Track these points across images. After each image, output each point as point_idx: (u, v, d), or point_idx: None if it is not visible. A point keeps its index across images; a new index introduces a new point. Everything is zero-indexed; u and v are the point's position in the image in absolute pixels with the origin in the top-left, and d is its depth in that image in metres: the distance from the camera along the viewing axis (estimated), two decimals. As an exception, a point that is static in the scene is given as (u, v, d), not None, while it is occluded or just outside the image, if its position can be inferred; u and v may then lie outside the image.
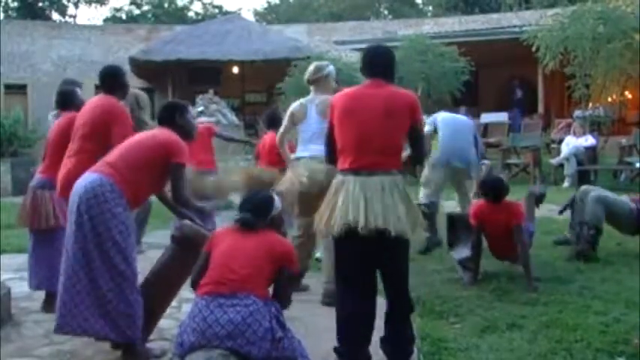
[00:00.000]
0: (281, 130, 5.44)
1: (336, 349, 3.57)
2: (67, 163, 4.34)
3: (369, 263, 3.53)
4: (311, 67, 5.37)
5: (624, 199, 6.68)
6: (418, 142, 3.69)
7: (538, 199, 6.41)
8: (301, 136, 5.26)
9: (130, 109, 6.23)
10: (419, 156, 3.80)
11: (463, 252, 5.72)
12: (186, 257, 3.88)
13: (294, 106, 5.37)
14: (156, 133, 4.03)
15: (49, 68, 21.15)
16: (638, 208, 6.48)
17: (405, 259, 3.57)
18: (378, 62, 3.68)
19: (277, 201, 3.69)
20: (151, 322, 3.88)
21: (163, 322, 4.25)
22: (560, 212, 6.99)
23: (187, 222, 3.99)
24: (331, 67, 5.38)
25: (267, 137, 7.11)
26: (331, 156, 3.72)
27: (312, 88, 5.32)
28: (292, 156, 5.36)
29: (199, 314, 3.25)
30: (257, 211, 3.55)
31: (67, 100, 5.20)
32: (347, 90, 3.73)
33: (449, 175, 6.96)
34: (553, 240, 6.93)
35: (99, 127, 4.30)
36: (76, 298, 3.66)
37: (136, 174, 3.78)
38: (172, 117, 4.05)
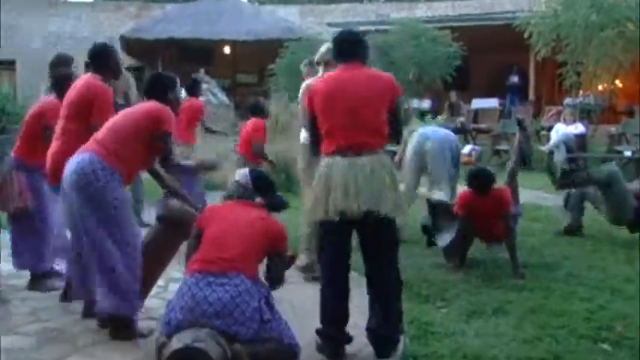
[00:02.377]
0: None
1: (318, 331, 3.60)
2: (53, 146, 4.29)
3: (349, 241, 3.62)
4: (323, 48, 5.29)
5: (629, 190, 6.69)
6: (397, 120, 3.72)
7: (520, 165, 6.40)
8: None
9: (123, 91, 6.22)
10: (397, 134, 3.79)
11: (445, 239, 5.74)
12: (172, 236, 3.88)
13: (307, 86, 5.25)
14: (143, 104, 4.02)
15: (39, 44, 20.91)
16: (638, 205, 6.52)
17: (393, 238, 3.62)
18: (352, 46, 3.71)
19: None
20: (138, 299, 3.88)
21: (150, 302, 4.25)
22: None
23: (174, 201, 3.98)
24: None
25: (249, 124, 7.14)
26: (316, 146, 3.73)
27: (320, 69, 5.25)
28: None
29: (188, 292, 3.25)
30: (267, 186, 3.69)
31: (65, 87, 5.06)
32: (325, 77, 3.74)
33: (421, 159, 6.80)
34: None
35: (81, 107, 4.20)
36: (80, 273, 3.79)
37: (126, 149, 3.76)
38: (165, 92, 4.03)
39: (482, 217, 5.42)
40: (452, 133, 7.22)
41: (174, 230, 3.86)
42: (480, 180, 5.46)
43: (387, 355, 3.55)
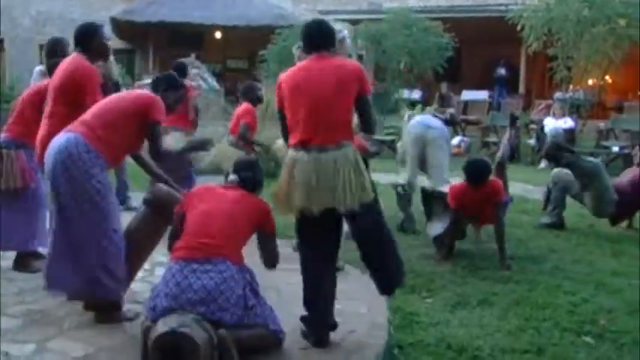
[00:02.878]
0: None
1: (303, 318, 3.60)
2: (42, 127, 4.26)
3: (331, 229, 3.63)
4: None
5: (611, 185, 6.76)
6: (366, 111, 3.62)
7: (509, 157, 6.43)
8: None
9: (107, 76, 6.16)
10: (368, 124, 3.71)
11: (437, 228, 5.75)
12: (159, 220, 3.87)
13: None
14: (134, 91, 4.00)
15: (28, 24, 20.74)
16: (619, 199, 6.60)
17: (372, 218, 3.59)
18: (321, 35, 3.66)
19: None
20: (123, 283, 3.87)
21: (136, 286, 4.24)
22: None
23: (161, 185, 3.96)
24: (346, 32, 5.28)
25: (240, 108, 7.12)
26: (287, 137, 3.67)
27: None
28: None
29: (172, 279, 3.24)
30: (256, 170, 3.71)
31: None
32: (294, 67, 3.71)
33: (422, 147, 6.80)
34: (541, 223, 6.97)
35: (67, 89, 4.12)
36: (59, 258, 3.71)
37: (112, 132, 3.73)
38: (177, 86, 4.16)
39: (474, 208, 5.44)
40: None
41: (161, 214, 3.85)
42: (480, 171, 5.45)
43: (389, 293, 3.78)
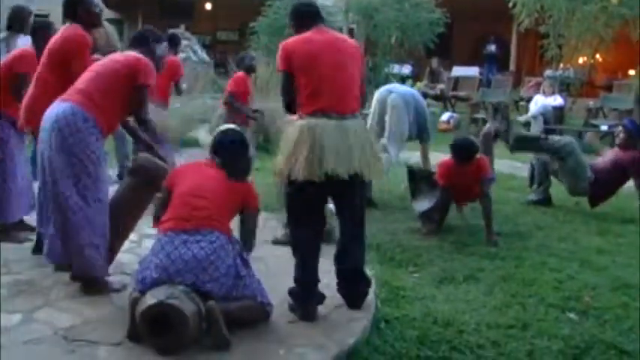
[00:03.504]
0: None
1: (291, 291, 3.62)
2: (31, 93, 4.22)
3: (324, 201, 3.74)
4: None
5: (587, 165, 6.79)
6: (364, 85, 3.77)
7: (493, 137, 6.45)
8: None
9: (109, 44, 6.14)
10: (365, 98, 3.86)
11: (424, 204, 5.77)
12: (144, 190, 3.85)
13: None
14: (124, 53, 3.95)
15: (15, -6, 20.43)
16: (595, 177, 6.64)
17: (363, 195, 3.80)
18: (315, 11, 3.76)
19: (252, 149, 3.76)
20: (109, 255, 3.86)
21: (123, 257, 4.23)
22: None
23: (145, 154, 3.94)
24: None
25: (236, 78, 7.12)
26: (292, 105, 3.66)
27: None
28: None
29: (162, 250, 3.24)
30: (238, 154, 3.63)
31: (40, 34, 4.93)
32: (296, 37, 3.68)
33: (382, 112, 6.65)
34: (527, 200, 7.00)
35: (55, 54, 4.12)
36: (50, 228, 3.71)
37: (107, 98, 3.70)
38: (147, 44, 3.95)
39: (461, 184, 5.46)
40: (419, 95, 7.19)
41: (146, 184, 3.83)
42: (465, 150, 5.49)
43: (359, 307, 3.69)
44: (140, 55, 3.85)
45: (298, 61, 3.56)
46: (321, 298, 3.65)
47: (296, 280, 3.63)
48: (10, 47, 5.44)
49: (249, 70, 7.24)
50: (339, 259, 3.73)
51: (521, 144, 6.96)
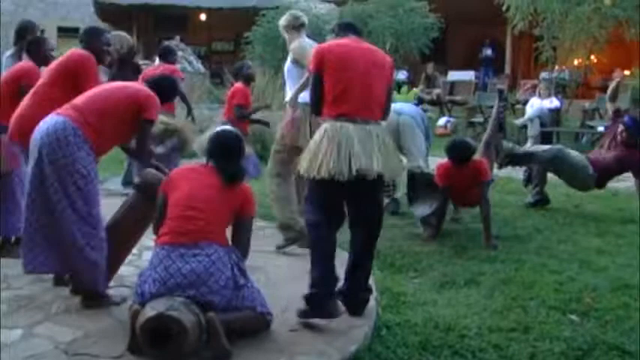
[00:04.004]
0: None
1: (307, 296, 3.57)
2: (25, 104, 4.21)
3: (342, 199, 3.73)
4: (292, 16, 5.24)
5: (584, 161, 6.77)
6: (389, 98, 3.87)
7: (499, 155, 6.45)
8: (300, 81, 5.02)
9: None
10: (388, 112, 3.95)
11: (424, 209, 5.77)
12: (148, 205, 3.84)
13: (307, 42, 5.09)
14: (129, 84, 3.95)
15: (9, 6, 20.45)
16: (595, 172, 6.63)
17: (381, 204, 3.92)
18: (354, 26, 3.95)
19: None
20: (111, 269, 3.85)
21: (124, 270, 4.22)
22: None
23: (150, 169, 3.94)
24: (305, 19, 5.31)
25: (235, 90, 7.09)
26: (319, 106, 3.75)
27: (293, 34, 5.16)
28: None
29: (160, 264, 3.23)
30: (234, 157, 3.57)
31: (33, 48, 4.97)
32: (332, 42, 3.83)
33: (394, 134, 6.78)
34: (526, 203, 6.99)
35: (61, 71, 4.13)
36: (40, 242, 3.66)
37: (102, 121, 3.68)
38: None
39: (460, 187, 5.47)
40: (418, 107, 7.33)
41: (151, 199, 3.83)
42: (460, 151, 5.50)
43: (360, 314, 3.70)
44: (146, 90, 3.85)
45: (330, 63, 3.66)
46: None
47: (314, 280, 3.60)
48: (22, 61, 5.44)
49: (248, 79, 7.21)
50: (350, 274, 3.75)
51: (511, 160, 6.94)
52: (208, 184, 3.46)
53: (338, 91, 3.62)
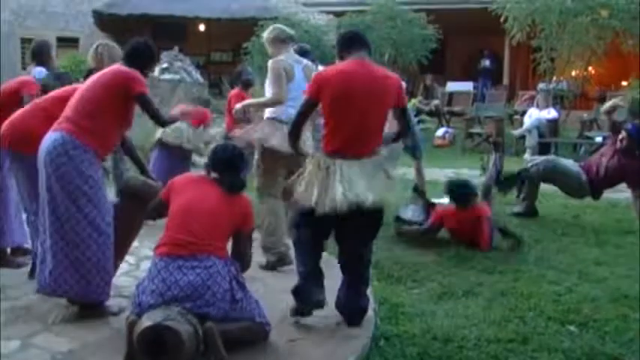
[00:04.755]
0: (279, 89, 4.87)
1: (294, 290, 3.67)
2: (21, 112, 4.23)
3: (331, 228, 3.74)
4: (279, 29, 5.16)
5: (576, 168, 6.79)
6: (404, 121, 3.86)
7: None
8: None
9: None
10: (403, 134, 4.04)
11: (406, 212, 5.94)
12: (135, 211, 3.83)
13: (285, 62, 4.91)
14: (103, 73, 3.86)
15: (8, 17, 20.50)
16: (589, 178, 6.65)
17: (377, 227, 3.80)
18: (361, 39, 3.79)
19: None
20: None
21: (121, 280, 4.22)
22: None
23: (134, 175, 3.93)
24: (292, 32, 5.30)
25: (231, 95, 7.09)
26: (297, 129, 3.77)
27: (279, 48, 5.02)
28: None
29: (158, 275, 3.23)
30: (235, 169, 3.56)
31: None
32: (335, 67, 3.73)
33: None
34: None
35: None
36: (54, 259, 3.65)
37: (95, 121, 3.68)
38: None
39: (462, 232, 5.60)
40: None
41: (137, 205, 3.81)
42: (463, 195, 5.65)
43: (358, 323, 3.69)
44: (124, 69, 3.80)
45: (326, 94, 3.60)
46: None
47: (300, 274, 3.69)
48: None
49: (247, 84, 7.15)
50: (343, 286, 3.78)
51: (508, 184, 6.95)
52: (209, 195, 3.46)
53: (331, 126, 3.62)
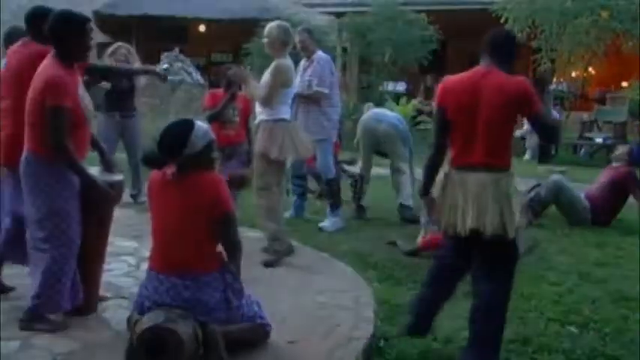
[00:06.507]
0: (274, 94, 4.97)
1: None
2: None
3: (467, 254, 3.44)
4: (283, 29, 5.17)
5: (579, 194, 6.83)
6: (539, 126, 3.47)
7: None
8: (282, 98, 5.03)
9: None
10: (547, 140, 3.78)
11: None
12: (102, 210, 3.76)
13: (292, 70, 5.16)
14: (37, 73, 3.51)
15: (8, 18, 20.45)
16: (591, 204, 6.68)
17: (506, 258, 3.42)
18: (498, 45, 3.50)
19: (202, 132, 3.20)
20: (93, 282, 3.81)
21: (121, 281, 4.23)
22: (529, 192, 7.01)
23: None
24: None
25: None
26: (439, 142, 3.44)
27: (282, 51, 5.08)
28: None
29: (150, 284, 3.24)
30: (168, 147, 3.18)
31: None
32: (462, 76, 3.45)
33: (375, 141, 6.96)
34: None
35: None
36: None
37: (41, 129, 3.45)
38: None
39: None
40: (401, 117, 7.64)
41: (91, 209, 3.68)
42: None
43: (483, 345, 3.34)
44: (47, 69, 3.47)
45: (450, 103, 3.36)
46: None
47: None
48: None
49: (226, 85, 6.62)
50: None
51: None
52: (169, 206, 3.21)
53: (454, 136, 3.35)
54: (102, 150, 4.03)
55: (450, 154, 3.40)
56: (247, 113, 5.79)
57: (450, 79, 3.49)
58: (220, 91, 5.83)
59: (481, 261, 3.38)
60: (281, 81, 4.96)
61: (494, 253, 3.32)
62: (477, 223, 3.21)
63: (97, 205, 3.65)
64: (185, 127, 3.21)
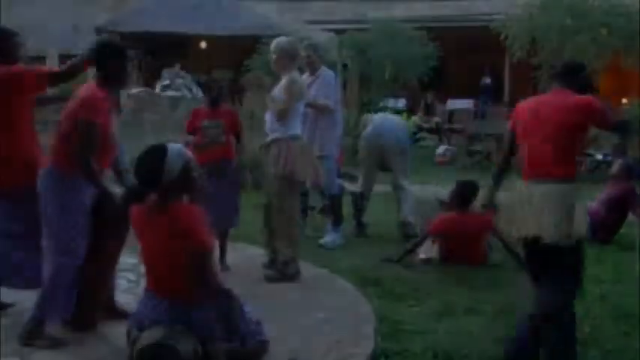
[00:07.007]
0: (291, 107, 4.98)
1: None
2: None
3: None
4: (292, 43, 5.18)
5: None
6: (616, 133, 3.94)
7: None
8: (294, 112, 5.00)
9: None
10: (624, 138, 3.95)
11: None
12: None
13: (302, 79, 5.25)
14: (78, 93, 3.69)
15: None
16: (591, 221, 6.66)
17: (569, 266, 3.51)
18: (568, 71, 3.68)
19: (175, 154, 3.11)
20: (99, 294, 3.83)
21: (122, 297, 4.21)
22: None
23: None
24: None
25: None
26: (504, 159, 3.82)
27: (291, 66, 5.06)
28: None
29: (149, 303, 3.25)
30: (145, 178, 3.12)
31: None
32: (527, 102, 3.71)
33: (379, 155, 6.89)
34: None
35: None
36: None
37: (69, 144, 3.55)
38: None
39: (461, 239, 5.56)
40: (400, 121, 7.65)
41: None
42: (466, 192, 5.67)
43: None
44: (88, 89, 3.65)
45: (518, 125, 3.63)
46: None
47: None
48: None
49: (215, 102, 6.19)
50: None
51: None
52: (156, 231, 3.15)
53: (522, 151, 3.60)
54: (121, 176, 4.08)
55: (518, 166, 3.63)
56: (236, 127, 5.40)
57: (520, 103, 3.73)
58: (203, 107, 5.65)
59: (546, 270, 3.50)
60: (296, 95, 4.96)
61: (557, 261, 3.44)
62: (540, 232, 3.34)
63: (113, 222, 3.68)
64: (158, 153, 3.12)
